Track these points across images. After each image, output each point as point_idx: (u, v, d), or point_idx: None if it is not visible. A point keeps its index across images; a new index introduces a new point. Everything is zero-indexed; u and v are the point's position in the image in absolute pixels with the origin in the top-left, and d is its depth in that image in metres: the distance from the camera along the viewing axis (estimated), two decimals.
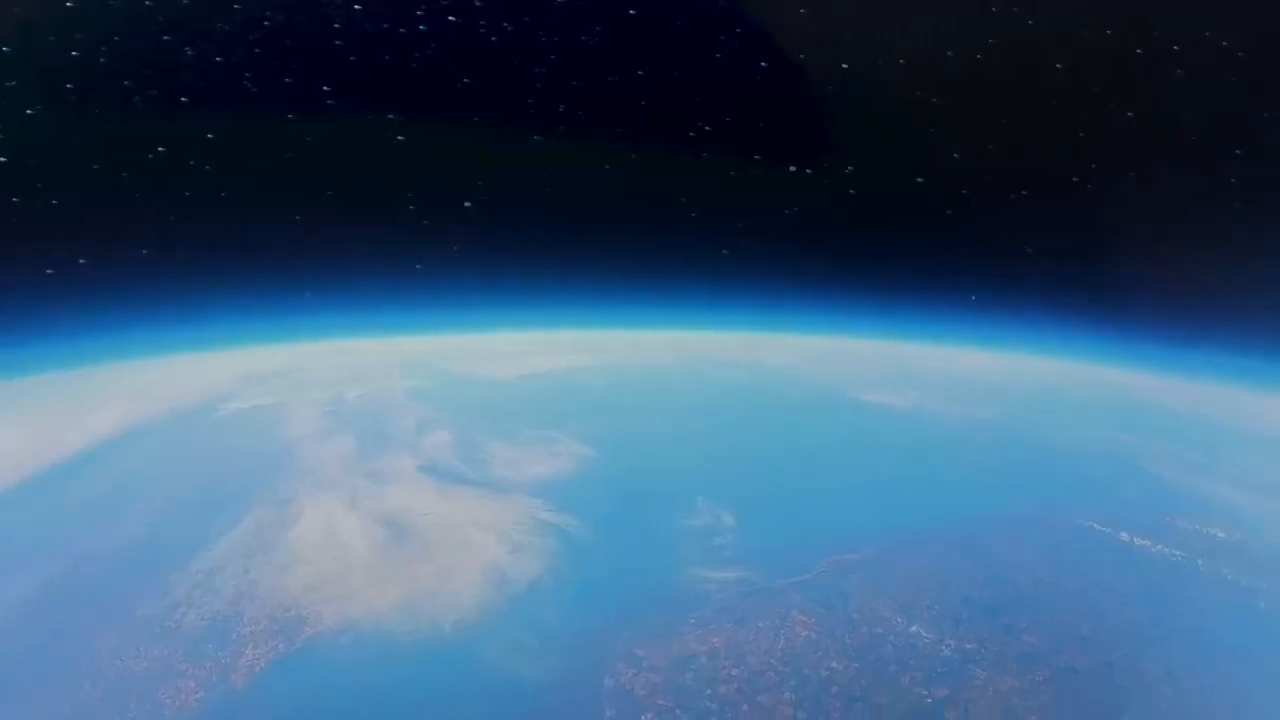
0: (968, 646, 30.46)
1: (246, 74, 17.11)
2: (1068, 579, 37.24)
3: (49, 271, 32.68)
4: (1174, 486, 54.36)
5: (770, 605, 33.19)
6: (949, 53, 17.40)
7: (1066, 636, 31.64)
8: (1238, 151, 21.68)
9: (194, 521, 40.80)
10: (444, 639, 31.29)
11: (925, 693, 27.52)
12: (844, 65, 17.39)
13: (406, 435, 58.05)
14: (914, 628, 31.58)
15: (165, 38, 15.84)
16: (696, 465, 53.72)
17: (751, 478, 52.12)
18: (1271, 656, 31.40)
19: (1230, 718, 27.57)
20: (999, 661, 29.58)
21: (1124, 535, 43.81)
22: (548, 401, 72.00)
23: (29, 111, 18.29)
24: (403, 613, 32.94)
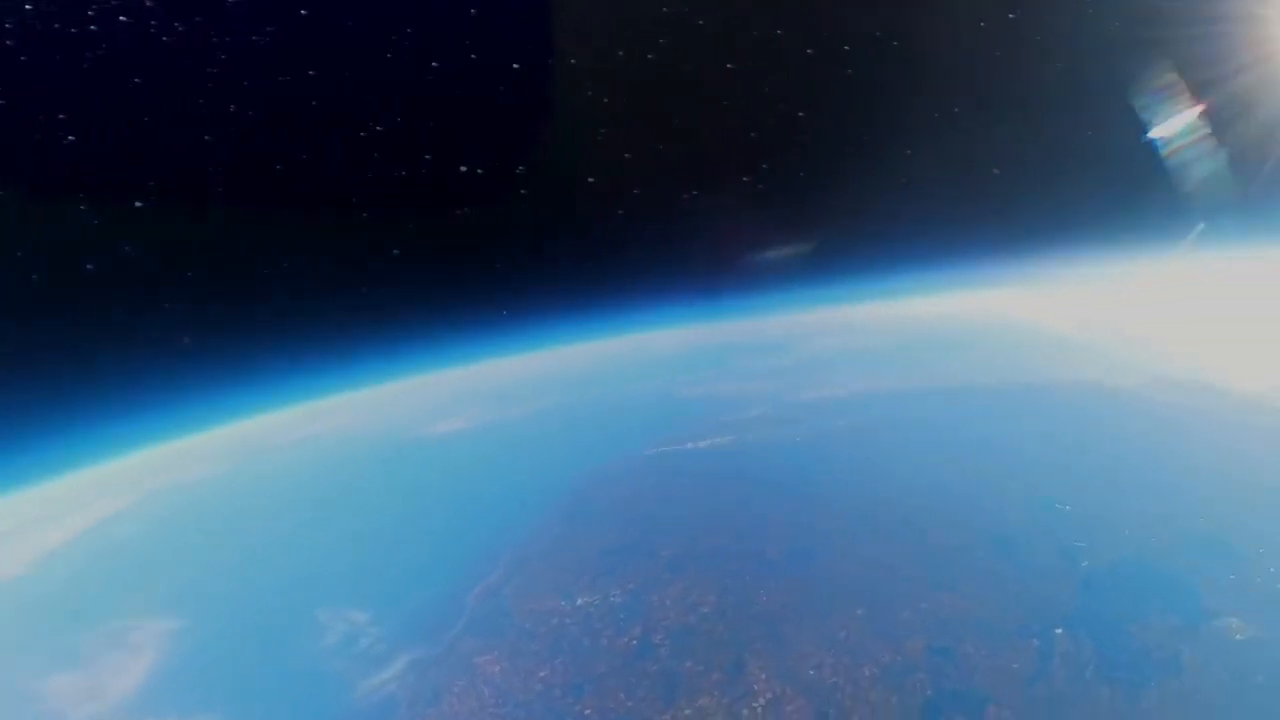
0: (630, 586, 33.69)
1: None
2: (666, 493, 45.18)
3: None
4: (707, 399, 72.12)
5: (451, 667, 30.75)
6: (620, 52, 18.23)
7: (691, 530, 38.20)
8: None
9: None
10: None
11: (627, 639, 29.64)
12: (515, 65, 17.64)
13: None
14: (579, 601, 33.36)
15: None
16: (296, 578, 45.96)
17: (356, 561, 46.95)
18: (820, 465, 46.18)
19: (815, 510, 38.35)
20: (659, 579, 33.70)
21: (690, 445, 55.10)
22: (90, 581, 52.44)
23: None
24: None
